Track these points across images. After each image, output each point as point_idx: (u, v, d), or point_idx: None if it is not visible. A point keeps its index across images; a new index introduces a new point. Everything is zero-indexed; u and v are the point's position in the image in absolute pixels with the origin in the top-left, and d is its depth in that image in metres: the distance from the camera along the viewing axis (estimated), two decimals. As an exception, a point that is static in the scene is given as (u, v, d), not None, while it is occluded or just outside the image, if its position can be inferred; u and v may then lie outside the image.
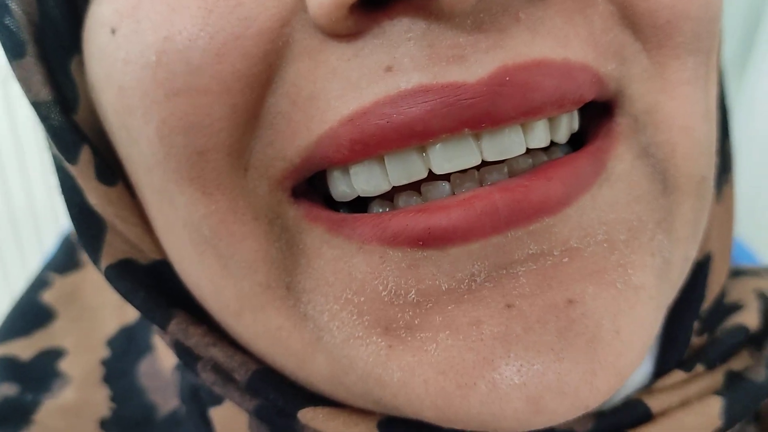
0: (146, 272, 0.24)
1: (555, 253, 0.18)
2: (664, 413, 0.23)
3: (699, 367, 0.24)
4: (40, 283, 0.32)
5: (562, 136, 0.20)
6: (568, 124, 0.20)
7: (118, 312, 0.31)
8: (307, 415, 0.22)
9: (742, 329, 0.25)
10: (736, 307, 0.27)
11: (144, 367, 0.29)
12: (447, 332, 0.18)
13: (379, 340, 0.19)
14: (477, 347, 0.18)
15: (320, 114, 0.18)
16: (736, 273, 0.31)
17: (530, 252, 0.18)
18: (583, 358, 0.18)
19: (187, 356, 0.24)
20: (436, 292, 0.18)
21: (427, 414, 0.19)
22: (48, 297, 0.31)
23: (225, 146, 0.18)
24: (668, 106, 0.20)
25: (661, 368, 0.25)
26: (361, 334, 0.19)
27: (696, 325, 0.25)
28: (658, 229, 0.20)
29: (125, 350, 0.30)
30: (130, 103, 0.19)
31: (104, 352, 0.30)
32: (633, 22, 0.19)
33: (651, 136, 0.20)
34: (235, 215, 0.19)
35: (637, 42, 0.19)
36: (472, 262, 0.18)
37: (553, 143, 0.20)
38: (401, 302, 0.18)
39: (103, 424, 0.27)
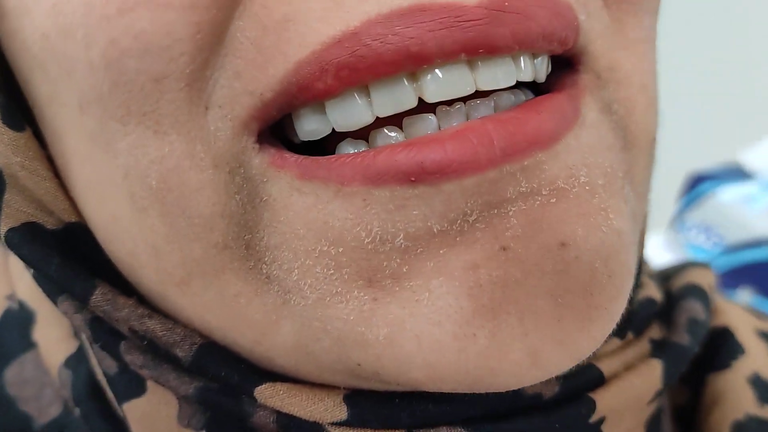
0: (56, 237, 0.20)
1: (543, 193, 0.17)
2: (615, 376, 0.23)
3: (629, 335, 0.25)
4: None
5: (542, 74, 0.20)
6: (544, 65, 0.20)
7: None
8: (265, 393, 0.19)
9: (653, 301, 0.26)
10: (638, 284, 0.28)
11: (11, 374, 0.24)
12: (441, 279, 0.17)
13: (362, 294, 0.17)
14: (476, 294, 0.16)
15: (299, 37, 0.16)
16: None
17: (521, 190, 0.17)
18: (581, 303, 0.17)
19: (107, 336, 0.20)
20: (427, 235, 0.17)
21: (416, 375, 0.17)
22: None
23: (186, 74, 0.16)
24: (628, 63, 0.20)
25: None
26: (339, 289, 0.17)
27: None
28: (625, 179, 0.20)
29: None
30: (68, 21, 0.16)
31: None
32: None
33: (613, 92, 0.20)
34: (192, 161, 0.17)
35: None
36: (465, 199, 0.17)
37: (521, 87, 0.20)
38: (387, 249, 0.17)
39: None
